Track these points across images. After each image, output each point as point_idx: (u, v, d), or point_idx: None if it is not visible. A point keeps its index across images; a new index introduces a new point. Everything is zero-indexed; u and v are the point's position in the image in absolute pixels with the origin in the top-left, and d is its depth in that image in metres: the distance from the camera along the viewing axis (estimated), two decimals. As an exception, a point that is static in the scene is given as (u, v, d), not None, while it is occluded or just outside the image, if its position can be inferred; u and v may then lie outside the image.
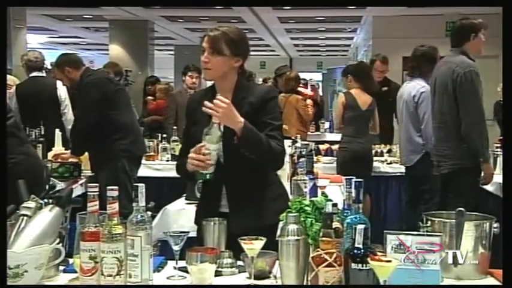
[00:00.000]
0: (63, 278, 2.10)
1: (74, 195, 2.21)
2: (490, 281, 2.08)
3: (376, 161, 5.88)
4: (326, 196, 2.15)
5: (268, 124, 2.51)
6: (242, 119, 2.38)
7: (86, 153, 4.86)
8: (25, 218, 2.03)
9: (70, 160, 4.67)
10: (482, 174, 4.16)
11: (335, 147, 6.17)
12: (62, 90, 5.97)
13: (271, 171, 2.67)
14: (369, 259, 1.72)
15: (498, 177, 4.19)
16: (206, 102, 2.36)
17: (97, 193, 1.91)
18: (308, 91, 9.39)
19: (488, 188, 4.38)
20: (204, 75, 2.62)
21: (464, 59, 4.20)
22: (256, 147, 2.43)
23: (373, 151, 5.92)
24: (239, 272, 2.18)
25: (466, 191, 4.09)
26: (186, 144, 2.61)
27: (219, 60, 2.52)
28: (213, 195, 2.59)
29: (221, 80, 2.58)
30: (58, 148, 4.86)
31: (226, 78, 2.57)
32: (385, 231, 1.92)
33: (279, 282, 2.02)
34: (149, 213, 1.97)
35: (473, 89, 4.10)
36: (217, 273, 2.09)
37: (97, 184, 1.94)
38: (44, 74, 6.11)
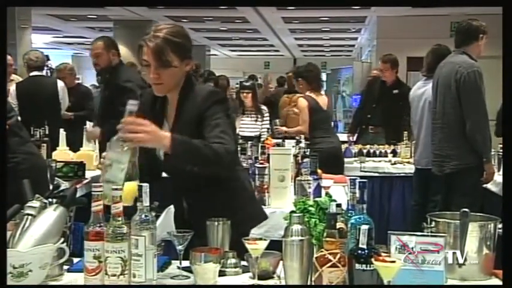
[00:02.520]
0: (67, 278, 2.10)
1: (78, 194, 2.21)
2: (495, 281, 2.07)
3: (380, 161, 5.89)
4: (330, 196, 2.15)
5: (208, 125, 2.24)
6: (168, 134, 2.09)
7: (90, 153, 4.88)
8: (29, 217, 2.03)
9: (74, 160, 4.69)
10: (484, 173, 4.16)
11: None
12: (62, 90, 6.03)
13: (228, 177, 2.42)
14: (373, 260, 1.71)
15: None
16: (124, 130, 1.99)
17: (101, 193, 1.92)
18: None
19: (493, 188, 4.37)
20: (156, 91, 2.34)
21: (466, 59, 4.20)
22: (192, 157, 2.14)
23: (369, 151, 6.06)
24: (243, 272, 2.18)
25: (469, 190, 4.10)
26: None
27: (170, 72, 2.25)
28: (176, 208, 2.56)
29: (172, 90, 2.34)
30: (62, 148, 4.87)
31: (177, 86, 2.34)
32: (389, 231, 1.92)
33: (283, 283, 2.02)
34: (153, 213, 1.97)
35: (477, 89, 4.10)
36: (221, 273, 2.09)
37: (101, 184, 1.94)
38: (44, 73, 6.17)
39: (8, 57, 6.05)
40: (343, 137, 6.95)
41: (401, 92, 6.42)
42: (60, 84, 6.27)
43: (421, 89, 5.07)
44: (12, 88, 5.96)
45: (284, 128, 5.78)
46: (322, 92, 5.99)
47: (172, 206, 3.72)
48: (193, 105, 2.31)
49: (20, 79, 6.48)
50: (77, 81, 7.71)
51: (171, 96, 2.38)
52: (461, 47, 4.29)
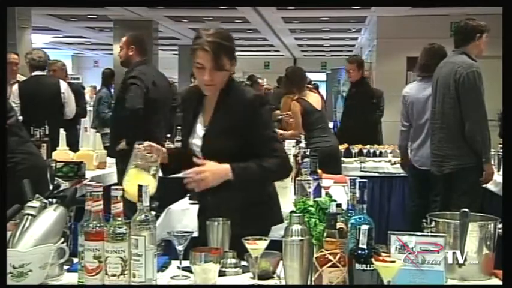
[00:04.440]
0: (67, 278, 2.10)
1: (78, 194, 2.21)
2: (494, 281, 2.07)
3: (380, 161, 5.89)
4: (330, 196, 2.16)
5: (261, 137, 2.39)
6: (227, 166, 2.30)
7: (90, 153, 4.89)
8: (30, 217, 2.03)
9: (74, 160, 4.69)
10: (483, 173, 4.15)
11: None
12: (64, 90, 6.01)
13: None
14: (373, 260, 1.71)
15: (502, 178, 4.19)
16: (186, 178, 2.32)
17: (101, 193, 1.92)
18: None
19: (493, 188, 4.37)
20: (207, 92, 2.46)
21: (466, 59, 4.20)
22: (253, 179, 2.38)
23: (369, 151, 6.05)
24: (243, 272, 2.18)
25: (469, 190, 4.09)
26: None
27: (222, 75, 2.39)
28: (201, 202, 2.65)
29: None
30: (62, 148, 4.87)
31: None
32: (389, 231, 1.92)
33: (283, 283, 2.02)
34: (153, 213, 1.97)
35: (476, 89, 4.10)
36: (221, 273, 2.09)
37: (101, 184, 1.94)
38: (45, 73, 6.17)
39: (15, 56, 6.06)
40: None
41: (358, 90, 6.68)
42: (63, 85, 6.26)
43: (424, 92, 4.92)
44: (14, 87, 5.96)
45: (279, 131, 5.77)
46: (314, 92, 6.00)
47: (172, 206, 3.74)
48: (238, 107, 2.40)
49: (21, 76, 6.47)
50: (68, 80, 7.70)
51: (210, 95, 2.48)
52: (461, 47, 4.29)
